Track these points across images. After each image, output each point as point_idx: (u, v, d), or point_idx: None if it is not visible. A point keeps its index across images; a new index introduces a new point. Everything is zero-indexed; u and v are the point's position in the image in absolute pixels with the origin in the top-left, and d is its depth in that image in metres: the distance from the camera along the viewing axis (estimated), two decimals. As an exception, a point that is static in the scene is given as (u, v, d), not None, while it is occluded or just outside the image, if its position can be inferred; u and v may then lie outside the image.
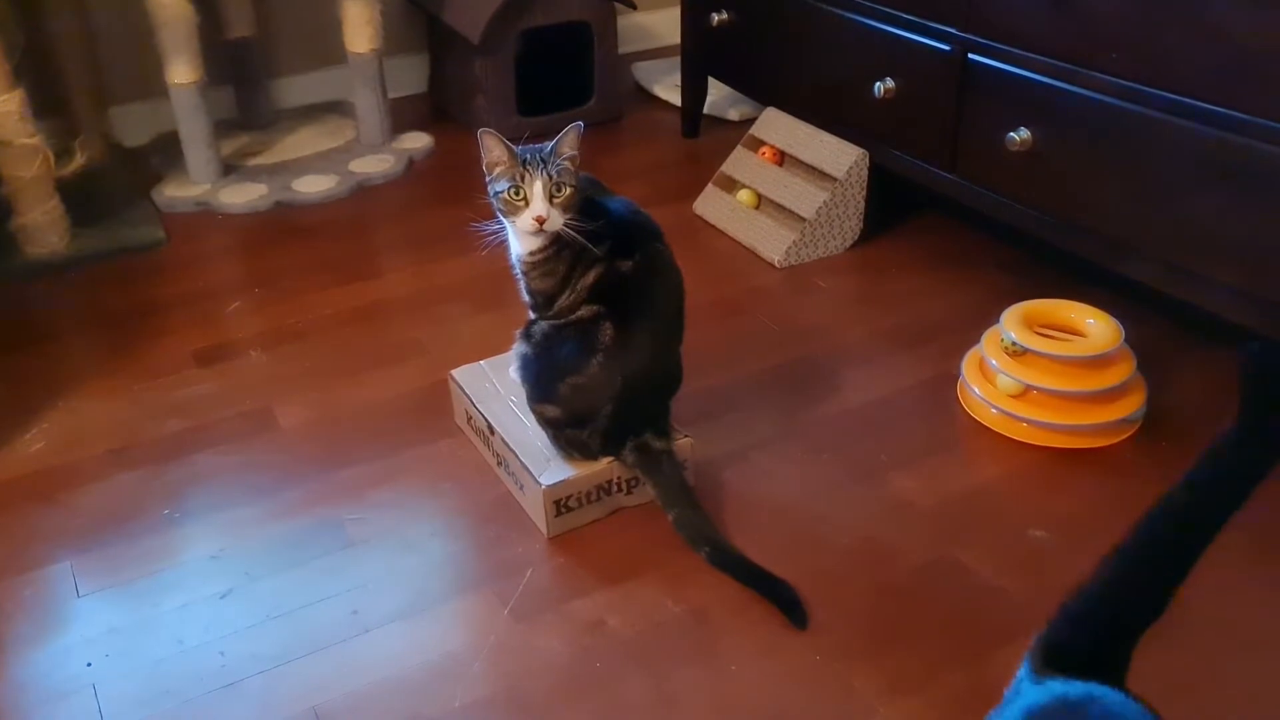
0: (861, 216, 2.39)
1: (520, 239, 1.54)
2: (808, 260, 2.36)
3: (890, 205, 2.49)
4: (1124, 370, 1.78)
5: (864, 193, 2.36)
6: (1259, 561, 1.54)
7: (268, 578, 1.55)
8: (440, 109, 3.18)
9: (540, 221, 1.47)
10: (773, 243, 2.37)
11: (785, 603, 1.47)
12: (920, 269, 2.32)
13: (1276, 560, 1.54)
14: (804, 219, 2.34)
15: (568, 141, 1.48)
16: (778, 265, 2.34)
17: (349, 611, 1.49)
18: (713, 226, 2.52)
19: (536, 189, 1.46)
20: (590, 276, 1.52)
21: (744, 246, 2.42)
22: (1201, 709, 1.32)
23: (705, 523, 1.57)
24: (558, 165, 1.47)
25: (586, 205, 1.52)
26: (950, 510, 1.65)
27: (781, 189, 2.43)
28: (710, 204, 2.56)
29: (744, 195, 2.51)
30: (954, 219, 2.50)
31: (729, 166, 2.57)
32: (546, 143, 1.49)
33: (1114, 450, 1.77)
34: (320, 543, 1.61)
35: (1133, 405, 1.78)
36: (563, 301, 1.54)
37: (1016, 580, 1.52)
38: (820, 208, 2.32)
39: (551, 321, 1.58)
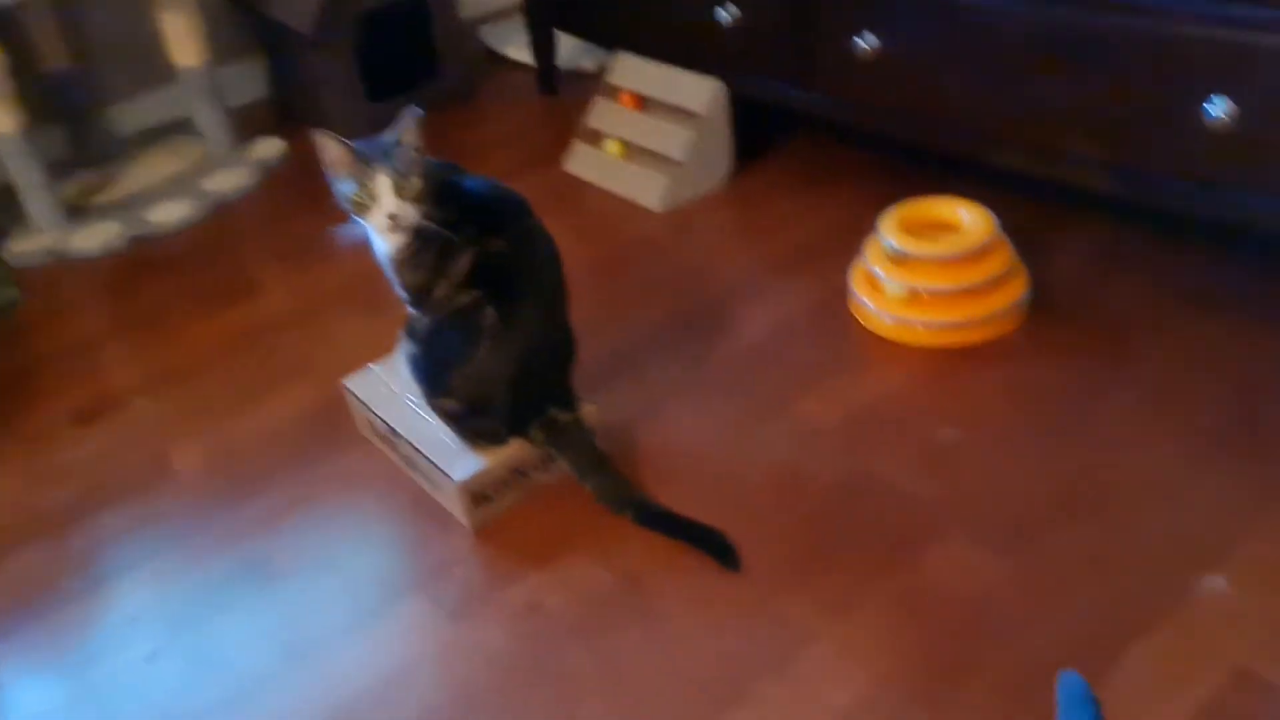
0: (731, 149, 2.38)
1: (381, 237, 1.50)
2: (686, 201, 2.35)
3: (758, 133, 2.49)
4: (1003, 258, 1.81)
5: (729, 125, 2.35)
6: (1157, 417, 1.60)
7: (193, 629, 1.51)
8: (286, 110, 3.07)
9: (394, 219, 1.43)
10: (649, 190, 2.35)
11: (716, 548, 1.48)
12: (797, 191, 2.33)
13: (1171, 413, 1.60)
14: (675, 161, 2.33)
15: (408, 131, 1.43)
16: (657, 211, 2.32)
17: (283, 645, 1.46)
18: (586, 183, 2.49)
19: (383, 186, 1.41)
20: (462, 263, 1.49)
21: (621, 198, 2.40)
22: (1126, 568, 1.37)
23: (624, 486, 1.57)
24: (402, 157, 1.42)
25: (443, 191, 1.48)
26: (858, 425, 1.68)
27: (647, 134, 2.40)
28: (580, 160, 2.53)
29: (612, 146, 2.49)
30: (821, 136, 2.51)
31: (592, 119, 2.53)
32: (387, 134, 1.45)
33: (1006, 338, 1.80)
34: (242, 582, 1.57)
35: (1017, 291, 1.82)
36: (439, 293, 1.51)
37: (932, 481, 1.55)
38: (689, 147, 2.31)
39: (433, 315, 1.54)
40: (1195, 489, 1.47)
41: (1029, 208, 2.05)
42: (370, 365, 1.79)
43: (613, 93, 2.51)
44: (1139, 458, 1.53)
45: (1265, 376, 1.63)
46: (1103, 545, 1.41)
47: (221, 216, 2.62)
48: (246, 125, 2.89)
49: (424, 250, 1.49)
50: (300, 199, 2.63)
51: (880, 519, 1.51)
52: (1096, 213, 2.02)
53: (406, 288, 1.54)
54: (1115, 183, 1.75)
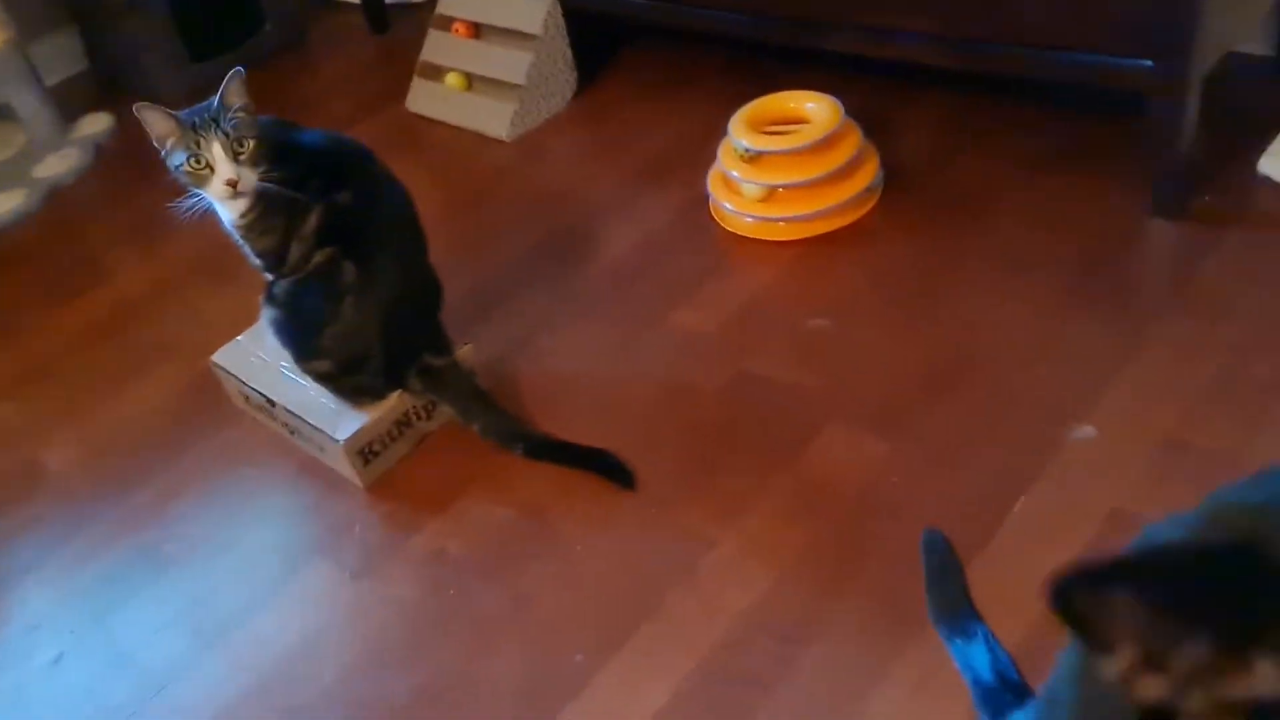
0: (573, 66, 2.35)
1: (223, 206, 1.45)
2: (535, 126, 2.31)
3: (598, 47, 2.45)
4: (853, 144, 1.84)
5: (567, 41, 2.31)
6: (1012, 281, 1.66)
7: (96, 627, 1.48)
8: (109, 80, 2.91)
9: (232, 184, 1.38)
10: (495, 119, 2.31)
11: (609, 470, 1.49)
12: (644, 102, 2.31)
13: (1025, 275, 1.66)
14: (518, 85, 2.29)
15: (232, 91, 1.37)
16: (507, 140, 2.29)
17: (191, 629, 1.44)
18: (431, 120, 2.43)
19: (216, 152, 1.36)
20: (311, 221, 1.45)
21: (468, 131, 2.36)
22: (1001, 430, 1.43)
23: (510, 421, 1.57)
24: (231, 120, 1.37)
25: (281, 149, 1.43)
26: (733, 328, 1.70)
27: (486, 62, 2.35)
28: (421, 97, 2.47)
29: (452, 79, 2.43)
30: (661, 44, 2.49)
31: (428, 53, 2.47)
32: (211, 99, 1.39)
33: (864, 222, 1.84)
34: (138, 574, 1.54)
35: (870, 175, 1.85)
36: (293, 255, 1.47)
37: (809, 371, 1.59)
38: (530, 70, 2.27)
39: (290, 277, 1.51)
40: (1056, 346, 1.54)
41: (873, 91, 2.08)
42: (237, 337, 1.74)
43: (445, 23, 2.45)
44: (1000, 323, 1.59)
45: (1105, 228, 1.70)
46: (976, 412, 1.47)
47: (57, 203, 2.49)
48: (68, 103, 2.73)
49: (269, 213, 1.44)
50: (138, 174, 2.49)
51: (765, 417, 1.54)
52: (936, 88, 2.06)
53: (258, 254, 1.49)
54: (948, 55, 1.79)
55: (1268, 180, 1.67)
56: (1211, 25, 1.55)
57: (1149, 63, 1.58)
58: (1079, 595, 0.40)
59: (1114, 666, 0.41)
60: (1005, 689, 1.10)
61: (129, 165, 2.56)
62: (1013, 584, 1.22)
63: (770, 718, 1.19)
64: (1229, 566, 0.40)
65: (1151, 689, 0.40)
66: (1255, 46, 1.88)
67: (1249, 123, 1.76)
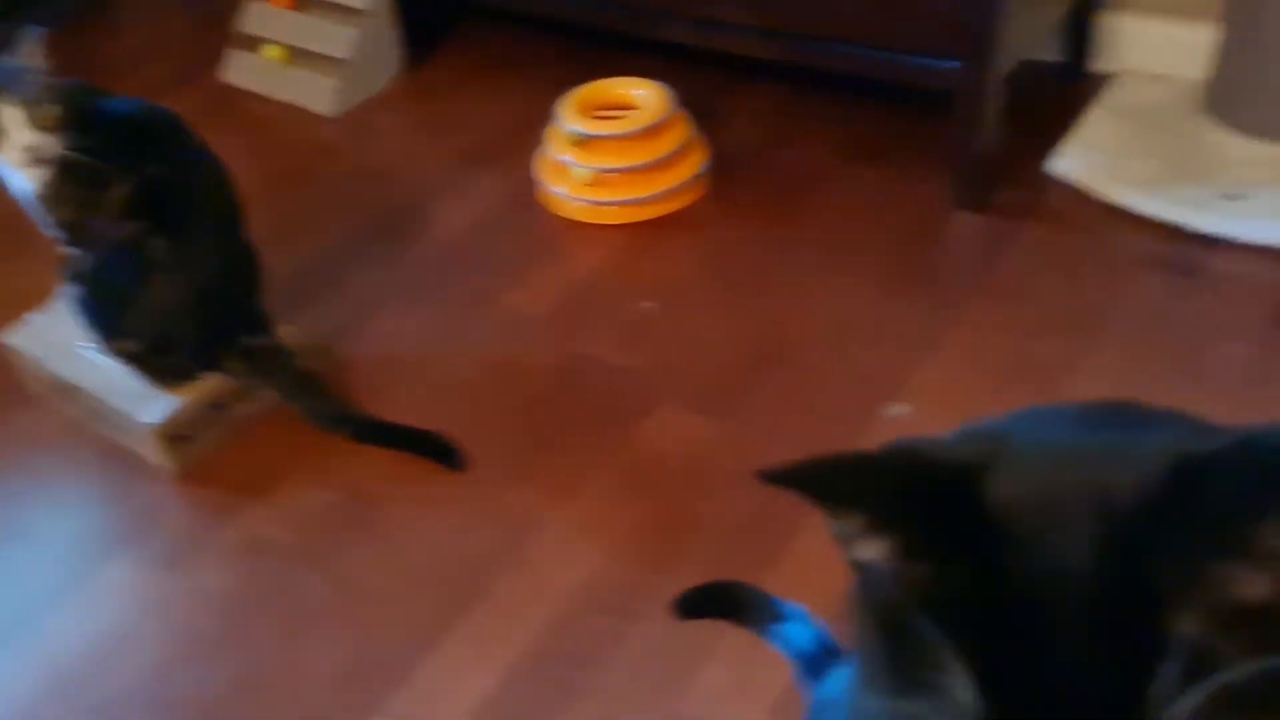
0: (399, 42, 2.29)
1: (19, 174, 1.35)
2: (360, 102, 2.25)
3: (427, 25, 2.40)
4: (681, 132, 1.87)
5: (394, 18, 2.26)
6: (833, 266, 1.72)
7: None
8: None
9: (31, 152, 1.29)
10: (318, 94, 2.23)
11: (437, 451, 1.47)
12: (474, 84, 2.28)
13: (845, 261, 1.73)
14: (342, 60, 2.22)
15: (27, 53, 1.28)
16: (330, 116, 2.21)
17: (-20, 630, 1.34)
18: (249, 93, 2.33)
19: (12, 118, 1.27)
20: (118, 192, 1.37)
21: (290, 105, 2.27)
22: (821, 408, 1.49)
23: (335, 403, 1.53)
24: (27, 84, 1.28)
25: (85, 116, 1.35)
26: (563, 310, 1.71)
27: (308, 35, 2.27)
28: (239, 69, 2.36)
29: (272, 51, 2.33)
30: (492, 25, 2.46)
31: (245, 23, 2.36)
32: (5, 59, 1.29)
33: (692, 208, 1.87)
34: (-85, 571, 1.42)
35: (697, 162, 1.88)
36: (96, 229, 1.39)
37: (638, 353, 1.61)
38: (355, 45, 2.20)
39: (94, 252, 1.42)
40: (872, 328, 1.61)
41: (702, 80, 2.12)
42: (28, 315, 1.63)
43: (265, -8, 2.35)
44: (821, 306, 1.66)
45: (916, 218, 1.80)
46: (798, 391, 1.53)
47: None
48: None
49: (71, 183, 1.36)
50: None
51: (595, 398, 1.55)
52: (764, 80, 2.12)
53: (58, 225, 1.40)
54: (772, 48, 1.84)
55: (1057, 179, 1.80)
56: (1011, 33, 1.66)
57: (956, 64, 1.67)
58: (815, 480, 0.51)
59: (839, 530, 0.50)
60: (827, 655, 1.15)
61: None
62: (834, 557, 1.27)
63: (600, 695, 1.20)
64: (932, 480, 0.48)
65: (861, 551, 0.50)
66: (1049, 54, 2.01)
67: (1042, 125, 1.88)
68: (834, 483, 0.50)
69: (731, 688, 1.19)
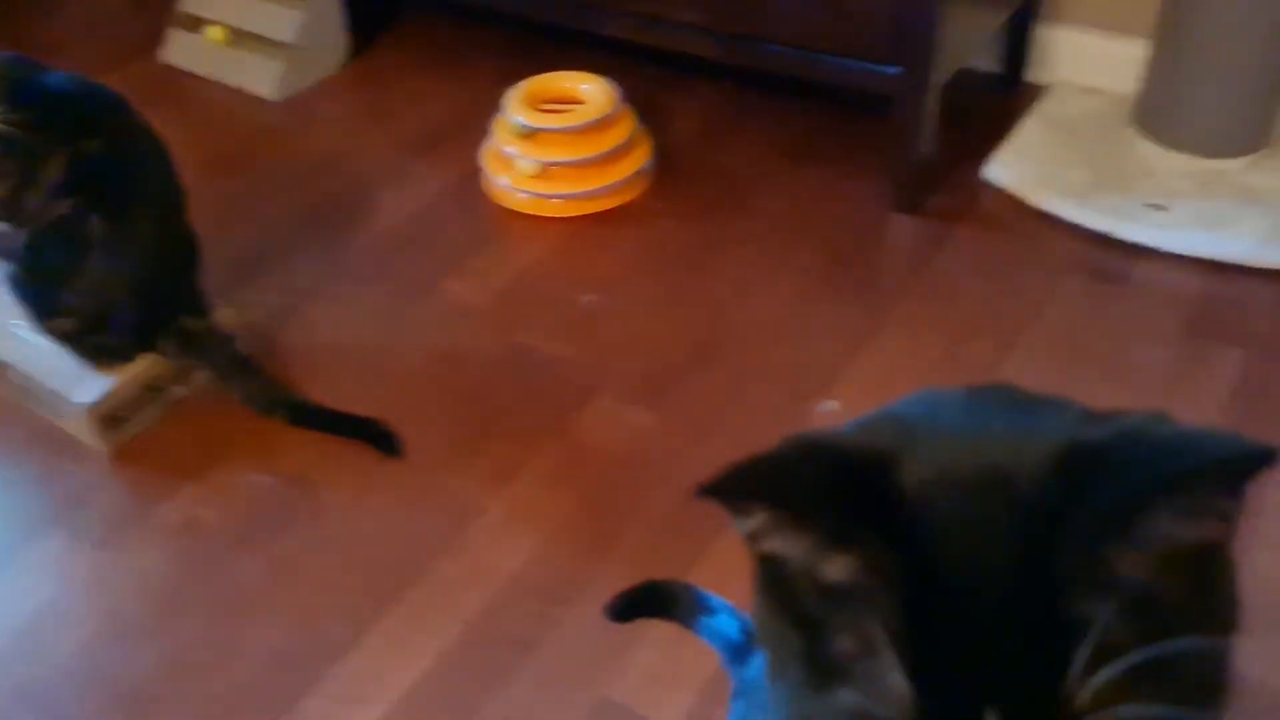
0: (345, 28, 2.28)
1: (-51, 146, 1.33)
2: (304, 87, 2.24)
3: (373, 12, 2.40)
4: (626, 127, 1.89)
5: (340, 3, 2.25)
6: (771, 263, 1.76)
7: None
8: None
9: (-39, 124, 1.27)
10: (261, 77, 2.22)
11: (375, 437, 1.48)
12: (421, 72, 2.28)
13: (782, 258, 1.76)
14: (286, 44, 2.20)
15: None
16: (273, 100, 2.20)
17: (-101, 609, 1.32)
18: (189, 74, 2.31)
19: (-58, 87, 1.25)
20: (52, 168, 1.35)
21: (231, 88, 2.25)
22: (756, 402, 1.52)
23: (273, 387, 1.52)
24: (-38, 54, 1.26)
25: (19, 89, 1.33)
26: (505, 300, 1.72)
27: (252, 17, 2.25)
28: (179, 50, 2.33)
29: (213, 32, 2.30)
30: (438, 15, 2.46)
31: (186, 3, 2.33)
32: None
33: (635, 203, 1.90)
34: None
35: (641, 158, 1.91)
36: (30, 204, 1.37)
37: (578, 344, 1.63)
38: (300, 28, 2.19)
39: (27, 229, 1.40)
40: (808, 324, 1.64)
41: (648, 76, 2.14)
42: (-41, 292, 1.60)
43: (209, -27, 2.32)
44: (758, 302, 1.69)
45: (853, 218, 1.83)
46: (734, 385, 1.55)
47: None
48: None
49: (4, 157, 1.34)
50: None
51: (534, 388, 1.57)
52: (708, 78, 2.15)
53: (-9, 200, 1.38)
54: (716, 47, 1.87)
55: (991, 185, 1.85)
56: (949, 41, 1.70)
57: (895, 69, 1.71)
58: (725, 491, 0.51)
59: (745, 527, 0.51)
60: (752, 642, 1.18)
61: None
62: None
63: (533, 676, 1.21)
64: (845, 471, 0.49)
65: (768, 546, 0.50)
66: (985, 64, 2.07)
67: (978, 132, 1.94)
68: (760, 482, 0.50)
69: (662, 671, 1.21)
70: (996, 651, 0.44)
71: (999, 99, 2.05)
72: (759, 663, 1.04)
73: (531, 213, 1.88)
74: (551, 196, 1.86)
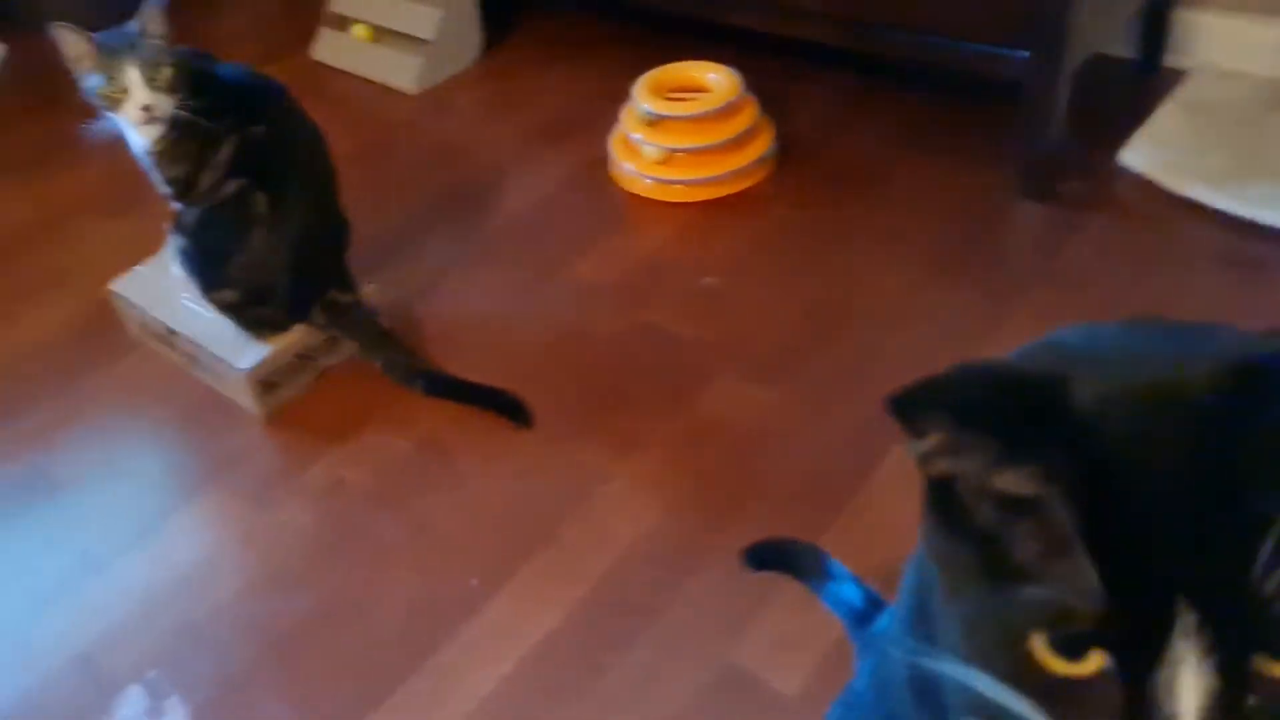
0: (480, 25, 2.38)
1: (136, 131, 1.45)
2: (441, 81, 2.34)
3: (506, 9, 2.49)
4: (750, 115, 1.93)
5: (476, 1, 2.34)
6: (891, 251, 1.76)
7: (-24, 549, 1.47)
8: (2, 8, 2.81)
9: (148, 110, 1.39)
10: (402, 72, 2.33)
11: (507, 408, 1.54)
12: (549, 66, 2.36)
13: (903, 246, 1.77)
14: (425, 40, 2.31)
15: (150, 20, 1.38)
16: (412, 93, 2.31)
17: (79, 554, 1.44)
18: (337, 70, 2.43)
19: (133, 77, 1.37)
20: (225, 151, 1.46)
21: (374, 83, 2.37)
22: (876, 383, 1.53)
23: (412, 359, 1.61)
24: (148, 47, 1.38)
25: (197, 79, 1.44)
26: (630, 280, 1.77)
27: (394, 15, 2.36)
28: (328, 47, 2.47)
29: (359, 30, 2.43)
30: (568, 10, 2.54)
31: (335, 4, 2.46)
32: (130, 25, 1.39)
33: (756, 189, 1.93)
34: (22, 498, 1.53)
35: (764, 145, 1.94)
36: (203, 183, 1.48)
37: (700, 325, 1.67)
38: (438, 25, 2.29)
39: (199, 206, 1.51)
40: (931, 310, 1.65)
41: (771, 66, 2.17)
42: (136, 267, 1.73)
43: (356, -26, 2.45)
44: (880, 286, 1.70)
45: (978, 206, 1.83)
46: (853, 366, 1.57)
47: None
48: (-50, 29, 2.64)
49: (183, 141, 1.45)
50: (34, 103, 2.44)
51: (658, 365, 1.61)
52: (829, 68, 2.16)
53: (168, 181, 1.50)
54: (843, 36, 1.89)
55: (1127, 171, 1.82)
56: (1083, 26, 1.69)
57: (1026, 54, 1.70)
58: (906, 405, 0.53)
59: (920, 448, 0.54)
60: (876, 609, 1.20)
61: (22, 95, 2.51)
62: (883, 523, 1.32)
63: (656, 638, 1.26)
64: (1020, 391, 0.52)
65: (942, 466, 0.53)
66: (1121, 50, 2.03)
67: (1112, 118, 1.91)
68: (945, 396, 0.53)
69: (784, 637, 1.24)
70: (1183, 546, 0.47)
71: (1135, 84, 2.01)
72: (884, 619, 1.06)
73: (656, 198, 1.93)
74: (675, 182, 1.90)
